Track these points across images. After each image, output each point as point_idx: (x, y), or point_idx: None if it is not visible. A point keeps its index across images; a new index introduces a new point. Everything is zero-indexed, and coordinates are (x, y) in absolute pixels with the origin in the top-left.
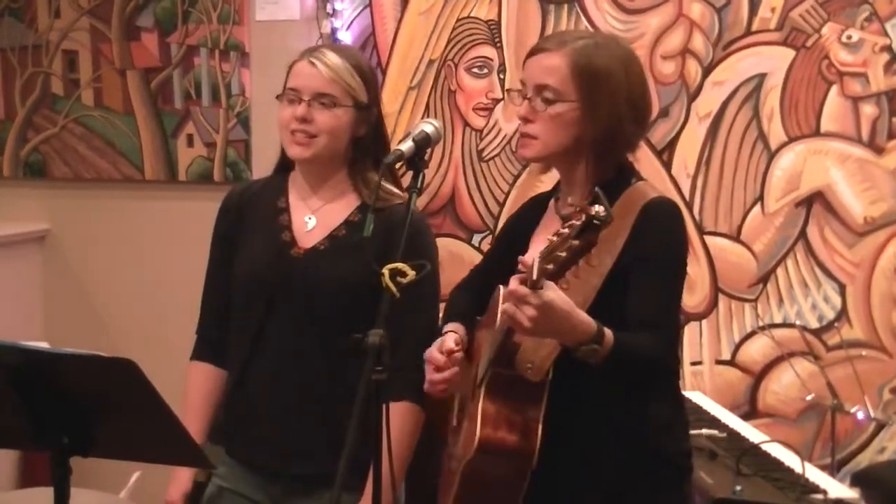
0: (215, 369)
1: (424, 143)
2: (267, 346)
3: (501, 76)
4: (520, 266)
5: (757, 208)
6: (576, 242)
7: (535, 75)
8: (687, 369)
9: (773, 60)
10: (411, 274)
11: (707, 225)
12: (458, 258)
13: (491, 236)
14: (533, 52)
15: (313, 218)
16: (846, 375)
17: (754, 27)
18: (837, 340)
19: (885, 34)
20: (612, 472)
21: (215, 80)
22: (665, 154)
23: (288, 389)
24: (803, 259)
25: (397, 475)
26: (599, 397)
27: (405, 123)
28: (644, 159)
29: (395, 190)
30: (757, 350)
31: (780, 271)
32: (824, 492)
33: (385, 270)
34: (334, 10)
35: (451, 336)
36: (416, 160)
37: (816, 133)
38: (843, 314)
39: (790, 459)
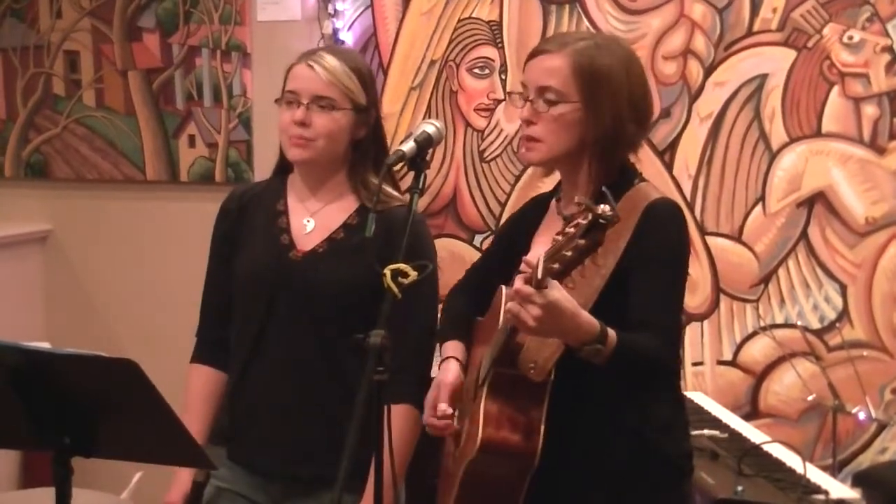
0: (215, 372)
1: (426, 144)
2: (267, 347)
3: (503, 77)
4: (523, 266)
5: (758, 209)
6: (582, 242)
7: (537, 77)
8: (688, 370)
9: (775, 61)
10: (413, 275)
11: (708, 225)
12: (459, 259)
13: (492, 237)
14: (534, 54)
15: (312, 220)
16: (847, 376)
17: (755, 28)
18: (839, 341)
19: (887, 35)
20: (613, 472)
21: (217, 80)
22: (666, 155)
23: (288, 391)
24: (804, 259)
25: (397, 476)
26: (601, 398)
27: (406, 124)
28: (645, 160)
29: (394, 192)
30: (758, 350)
31: (781, 272)
32: (826, 492)
33: (387, 271)
34: (336, 10)
35: (446, 386)
36: (418, 161)
37: (818, 134)
38: (844, 315)
39: (791, 460)
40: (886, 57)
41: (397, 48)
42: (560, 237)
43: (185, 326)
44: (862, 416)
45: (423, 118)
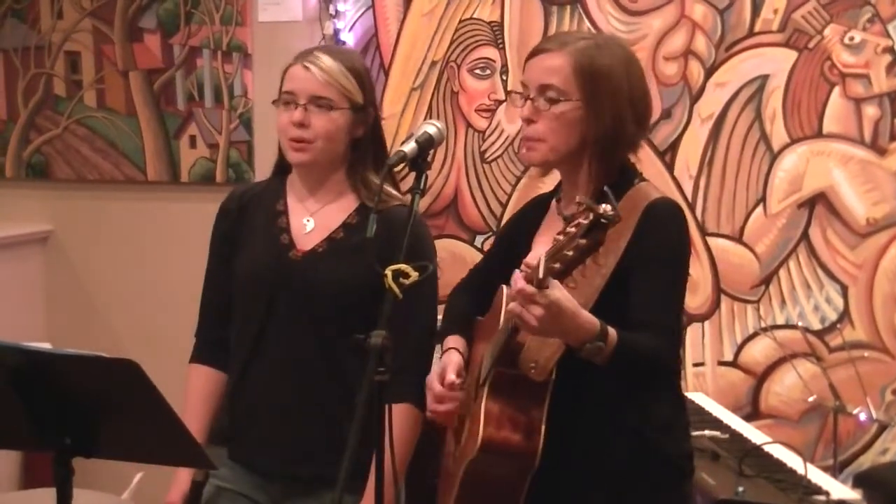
0: (214, 372)
1: (427, 145)
2: (267, 347)
3: (504, 77)
4: (523, 267)
5: (759, 209)
6: (583, 241)
7: (538, 76)
8: (689, 370)
9: (776, 62)
10: (414, 275)
11: (709, 226)
12: (460, 259)
13: (493, 237)
14: (534, 53)
15: (312, 220)
16: (848, 377)
17: (757, 28)
18: (840, 342)
19: (888, 35)
20: (613, 472)
21: (218, 81)
22: (667, 155)
23: (288, 391)
24: (805, 260)
25: (398, 475)
26: (602, 397)
27: (408, 125)
28: (646, 160)
29: (394, 192)
30: (759, 351)
31: (782, 272)
32: (826, 493)
33: (388, 272)
34: (337, 11)
35: (453, 364)
36: (419, 161)
37: (819, 134)
38: (845, 315)
39: (792, 461)
40: (887, 58)
41: (398, 49)
42: (561, 237)
43: (186, 327)
44: (863, 416)
45: (425, 119)
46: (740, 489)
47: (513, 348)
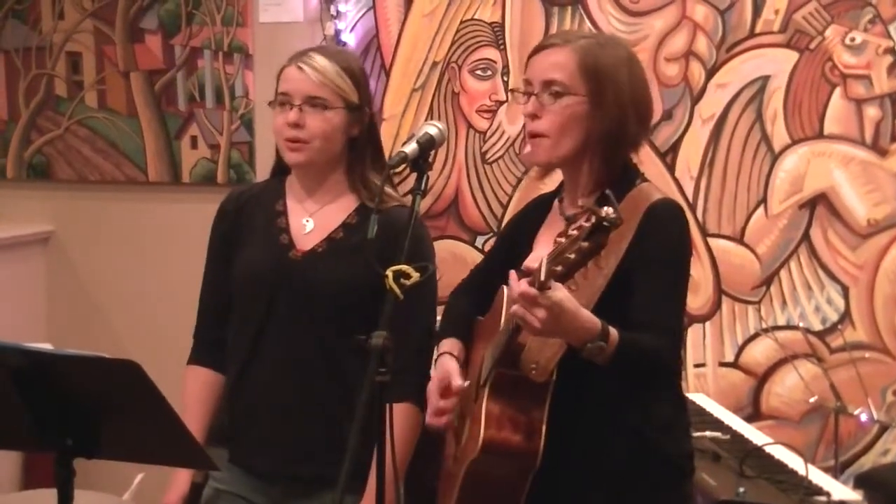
0: (213, 373)
1: (428, 146)
2: (266, 347)
3: (505, 78)
4: (523, 269)
5: (760, 210)
6: (585, 244)
7: (542, 71)
8: (690, 371)
9: (777, 63)
10: (415, 276)
11: (710, 227)
12: (461, 260)
13: (495, 238)
14: (537, 50)
15: (311, 220)
16: (849, 377)
17: (758, 29)
18: (841, 343)
19: (889, 36)
20: (613, 472)
21: (219, 81)
22: (668, 156)
23: (288, 391)
24: (806, 261)
25: (398, 474)
26: (602, 398)
27: (409, 125)
28: (647, 161)
29: (392, 192)
30: (760, 352)
31: (783, 273)
32: (828, 494)
33: (389, 273)
34: (338, 11)
35: (454, 371)
36: (420, 162)
37: (820, 135)
38: (846, 316)
39: (793, 461)
40: (888, 59)
41: (399, 50)
42: (563, 239)
43: (187, 327)
44: (864, 417)
45: (426, 120)
46: (741, 490)
47: (514, 349)
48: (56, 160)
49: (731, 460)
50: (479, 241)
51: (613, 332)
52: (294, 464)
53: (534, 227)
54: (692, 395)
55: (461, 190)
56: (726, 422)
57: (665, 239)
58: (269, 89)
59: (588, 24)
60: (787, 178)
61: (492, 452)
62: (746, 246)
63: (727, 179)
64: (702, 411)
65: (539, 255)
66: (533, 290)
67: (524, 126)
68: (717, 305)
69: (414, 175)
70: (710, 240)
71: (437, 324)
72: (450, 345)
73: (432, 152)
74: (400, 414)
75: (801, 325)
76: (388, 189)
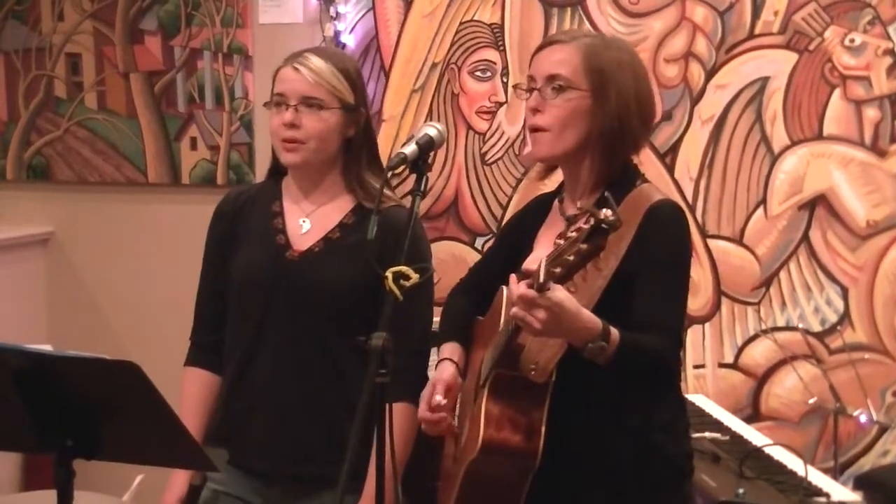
0: (210, 375)
1: (428, 147)
2: (264, 348)
3: (504, 80)
4: (523, 270)
5: (760, 212)
6: (584, 246)
7: (546, 66)
8: (690, 372)
9: (776, 64)
10: (415, 277)
11: (710, 228)
12: (461, 261)
13: (494, 237)
14: (543, 46)
15: (308, 221)
16: (849, 379)
17: (757, 30)
18: (840, 344)
19: (888, 38)
20: (613, 472)
21: (218, 83)
22: (668, 157)
23: (286, 391)
24: (806, 262)
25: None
26: (602, 398)
27: (408, 127)
28: (647, 162)
29: (389, 193)
30: (760, 353)
31: (782, 274)
32: (827, 495)
33: (388, 274)
34: (337, 13)
35: (442, 382)
36: (420, 163)
37: (819, 136)
38: (845, 317)
39: (793, 462)
40: (888, 60)
41: (399, 51)
42: (562, 241)
43: (187, 329)
44: (863, 418)
45: (425, 121)
46: (741, 491)
47: (513, 350)
48: (56, 161)
49: (730, 461)
50: (479, 242)
51: (614, 332)
52: (293, 464)
53: (534, 227)
54: (692, 396)
55: (461, 191)
56: (726, 423)
57: (665, 240)
58: (269, 91)
59: (587, 25)
60: (787, 179)
61: (491, 452)
62: (746, 247)
63: (727, 180)
64: (701, 412)
65: (539, 255)
66: (532, 293)
67: (524, 126)
68: (716, 306)
69: (413, 176)
70: (709, 241)
71: (436, 324)
72: (451, 350)
73: (432, 153)
74: (397, 413)
75: (800, 326)
76: (386, 190)
